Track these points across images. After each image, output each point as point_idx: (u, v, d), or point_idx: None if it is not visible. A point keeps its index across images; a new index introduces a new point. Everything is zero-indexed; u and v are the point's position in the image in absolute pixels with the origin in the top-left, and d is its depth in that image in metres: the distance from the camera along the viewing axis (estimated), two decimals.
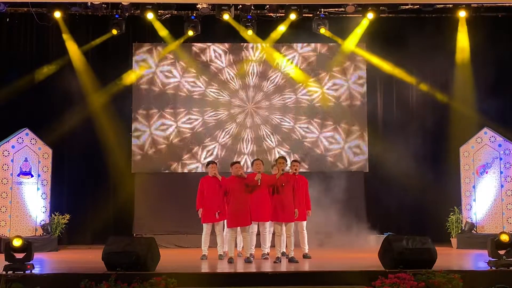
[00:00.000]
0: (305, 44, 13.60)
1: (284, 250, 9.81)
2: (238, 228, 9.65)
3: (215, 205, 9.92)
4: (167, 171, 13.36)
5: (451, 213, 12.26)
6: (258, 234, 9.99)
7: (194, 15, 12.94)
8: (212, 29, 13.29)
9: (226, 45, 13.59)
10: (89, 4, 12.34)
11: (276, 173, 9.74)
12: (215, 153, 13.34)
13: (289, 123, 13.49)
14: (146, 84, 13.47)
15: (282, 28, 13.15)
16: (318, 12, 12.94)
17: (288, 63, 13.52)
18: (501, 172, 12.05)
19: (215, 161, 10.72)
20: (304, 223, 10.12)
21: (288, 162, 10.24)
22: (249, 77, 13.57)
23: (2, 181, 11.79)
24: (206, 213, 10.15)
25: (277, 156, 12.48)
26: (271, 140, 13.47)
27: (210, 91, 13.51)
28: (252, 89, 13.55)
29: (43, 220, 12.05)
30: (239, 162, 9.84)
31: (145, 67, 13.44)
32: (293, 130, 13.50)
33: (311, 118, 13.50)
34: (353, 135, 13.45)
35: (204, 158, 13.20)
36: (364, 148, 13.41)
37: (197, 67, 13.51)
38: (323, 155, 13.37)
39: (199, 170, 13.13)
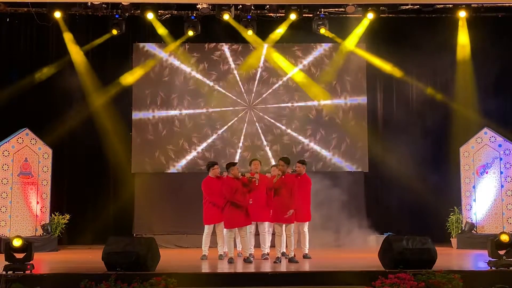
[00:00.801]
0: (305, 44, 13.60)
1: (284, 250, 9.80)
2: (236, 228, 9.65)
3: (218, 206, 9.90)
4: (167, 172, 13.36)
5: (451, 213, 12.26)
6: (258, 234, 9.98)
7: (194, 15, 12.94)
8: (212, 29, 13.29)
9: (227, 45, 13.59)
10: (89, 4, 12.35)
11: (274, 174, 9.73)
12: (214, 153, 13.37)
13: (286, 127, 13.51)
14: (146, 84, 13.47)
15: (282, 29, 13.13)
16: (318, 12, 12.93)
17: (288, 64, 13.50)
18: (501, 172, 12.04)
19: (216, 162, 10.70)
20: (306, 223, 10.12)
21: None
22: (248, 78, 13.57)
23: (2, 181, 11.79)
24: (209, 214, 10.14)
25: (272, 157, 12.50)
26: (267, 146, 13.48)
27: (209, 92, 13.51)
28: (251, 90, 13.55)
29: (43, 220, 12.05)
30: (236, 163, 9.82)
31: (145, 67, 13.43)
32: (290, 134, 13.51)
33: (312, 126, 13.51)
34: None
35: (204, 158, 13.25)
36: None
37: (197, 68, 13.52)
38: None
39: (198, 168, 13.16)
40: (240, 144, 13.44)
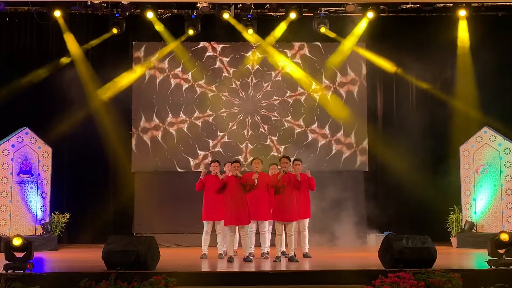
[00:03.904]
0: (305, 43, 13.60)
1: (284, 249, 9.80)
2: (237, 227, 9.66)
3: (217, 203, 9.89)
4: (167, 171, 13.36)
5: (451, 212, 12.26)
6: (258, 233, 9.98)
7: (194, 14, 12.95)
8: (212, 28, 13.30)
9: (227, 44, 13.58)
10: (89, 3, 12.35)
11: (273, 173, 9.72)
12: (214, 152, 13.34)
13: (288, 124, 13.51)
14: (146, 83, 13.47)
15: (282, 28, 13.14)
16: (318, 11, 12.94)
17: (288, 63, 13.48)
18: (501, 171, 12.04)
19: (218, 160, 10.68)
20: (306, 221, 10.11)
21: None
22: (249, 77, 13.57)
23: (2, 180, 11.79)
24: (207, 211, 10.13)
25: (278, 156, 12.46)
26: (270, 141, 13.46)
27: (209, 91, 13.51)
28: (251, 90, 13.54)
29: (43, 219, 12.06)
30: (238, 161, 9.81)
31: (145, 66, 13.43)
32: (292, 133, 13.51)
33: (311, 124, 13.51)
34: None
35: (203, 158, 13.25)
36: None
37: (197, 66, 13.52)
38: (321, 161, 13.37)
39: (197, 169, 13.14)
40: (242, 145, 13.44)
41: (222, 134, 13.45)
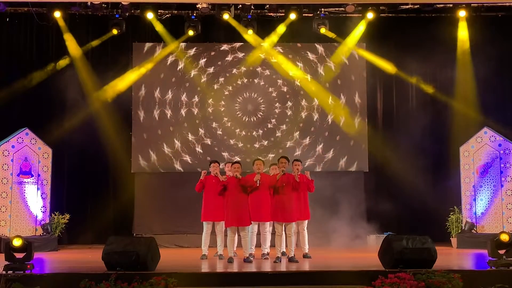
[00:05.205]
0: (305, 44, 13.60)
1: (284, 250, 9.80)
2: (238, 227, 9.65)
3: (216, 204, 9.89)
4: (167, 171, 13.36)
5: (451, 213, 12.26)
6: (259, 234, 9.97)
7: (194, 14, 12.96)
8: (212, 28, 13.32)
9: (227, 45, 13.58)
10: (89, 4, 12.35)
11: (274, 173, 9.71)
12: (209, 152, 13.35)
13: (286, 127, 13.48)
14: (146, 83, 13.47)
15: (282, 29, 13.14)
16: (318, 12, 12.94)
17: (287, 63, 13.48)
18: (501, 172, 12.05)
19: (217, 160, 10.67)
20: (305, 222, 10.11)
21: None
22: (248, 78, 13.57)
23: (2, 180, 11.79)
24: (206, 211, 10.13)
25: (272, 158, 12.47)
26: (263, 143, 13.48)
27: (209, 91, 13.51)
28: (251, 90, 13.54)
29: (43, 220, 12.06)
30: (238, 162, 9.79)
31: (145, 67, 13.43)
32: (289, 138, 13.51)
33: (312, 126, 13.48)
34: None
35: (200, 158, 13.29)
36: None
37: (197, 67, 13.52)
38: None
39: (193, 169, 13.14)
40: (240, 145, 13.44)
41: (216, 135, 13.48)
